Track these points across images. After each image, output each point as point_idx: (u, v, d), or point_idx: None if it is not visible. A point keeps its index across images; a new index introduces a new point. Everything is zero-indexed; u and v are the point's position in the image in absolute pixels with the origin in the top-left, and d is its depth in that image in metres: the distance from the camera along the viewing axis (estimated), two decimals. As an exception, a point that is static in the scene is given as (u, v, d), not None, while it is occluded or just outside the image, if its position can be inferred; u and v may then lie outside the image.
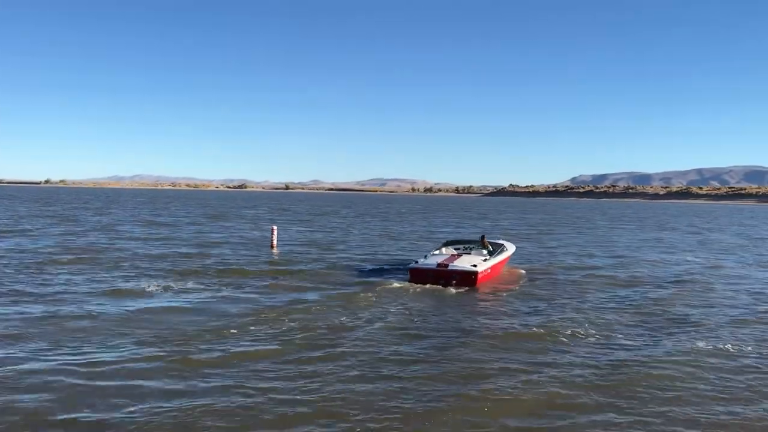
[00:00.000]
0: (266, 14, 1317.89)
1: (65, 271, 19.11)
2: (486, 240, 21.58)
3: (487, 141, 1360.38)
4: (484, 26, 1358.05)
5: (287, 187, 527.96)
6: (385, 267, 22.25)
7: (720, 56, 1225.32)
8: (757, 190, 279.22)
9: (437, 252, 21.23)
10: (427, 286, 17.90)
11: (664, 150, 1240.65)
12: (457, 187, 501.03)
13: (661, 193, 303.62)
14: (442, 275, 18.31)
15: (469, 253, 20.54)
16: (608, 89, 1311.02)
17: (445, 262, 18.90)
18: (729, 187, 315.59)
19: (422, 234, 39.63)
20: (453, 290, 17.46)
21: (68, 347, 10.68)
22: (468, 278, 18.21)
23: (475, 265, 18.59)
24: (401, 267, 21.37)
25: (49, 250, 24.23)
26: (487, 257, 19.88)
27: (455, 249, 21.63)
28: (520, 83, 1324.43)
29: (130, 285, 16.90)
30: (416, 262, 19.58)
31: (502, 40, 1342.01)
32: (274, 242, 27.56)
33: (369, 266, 22.28)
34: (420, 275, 18.55)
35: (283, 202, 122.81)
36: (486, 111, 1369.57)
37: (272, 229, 28.51)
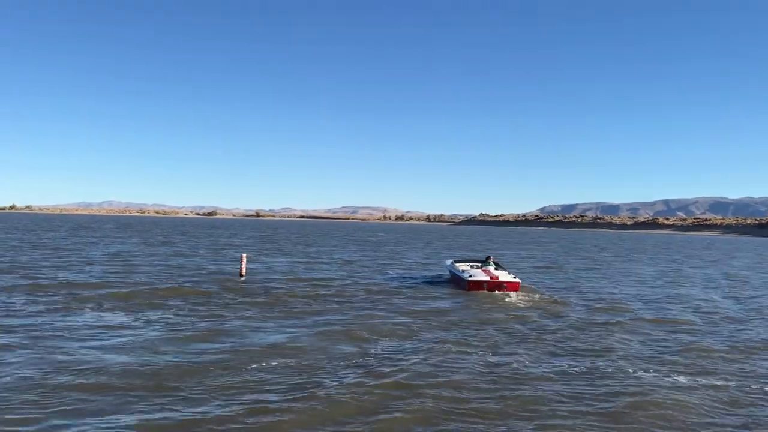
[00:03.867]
0: (231, 36, 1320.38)
1: (20, 300, 17.88)
2: (492, 258, 27.02)
3: (457, 170, 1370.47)
4: (457, 55, 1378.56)
5: (258, 215, 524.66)
6: (362, 294, 21.92)
7: (685, 91, 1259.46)
8: (722, 221, 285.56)
9: (467, 268, 25.94)
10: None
11: (632, 181, 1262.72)
12: (428, 216, 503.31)
13: (629, 223, 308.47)
14: (495, 285, 23.09)
15: (490, 268, 25.38)
16: (576, 121, 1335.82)
17: (494, 275, 23.72)
18: (694, 218, 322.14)
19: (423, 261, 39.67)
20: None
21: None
22: (514, 286, 23.09)
23: (514, 277, 24.00)
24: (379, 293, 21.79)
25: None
26: (512, 271, 25.31)
27: (469, 265, 26.67)
28: (490, 114, 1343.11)
29: (84, 318, 15.57)
30: (470, 276, 23.83)
31: (472, 72, 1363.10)
32: (243, 270, 26.79)
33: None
34: (477, 285, 23.26)
35: (262, 229, 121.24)
36: (456, 141, 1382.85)
37: (242, 257, 27.67)
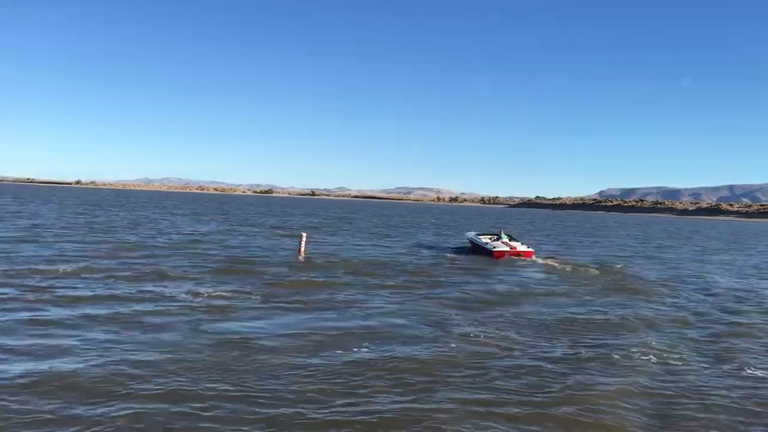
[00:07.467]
0: (291, 18, 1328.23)
1: (92, 274, 18.07)
2: (504, 231, 33.49)
3: (512, 152, 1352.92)
4: (514, 37, 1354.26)
5: (313, 193, 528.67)
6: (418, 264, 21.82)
7: (750, 76, 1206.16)
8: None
9: (489, 239, 32.00)
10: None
11: (695, 165, 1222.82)
12: (483, 198, 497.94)
13: (691, 208, 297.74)
14: (515, 254, 29.32)
15: (506, 239, 31.51)
16: (638, 102, 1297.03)
17: (513, 246, 30.04)
18: (760, 205, 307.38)
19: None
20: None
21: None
22: (528, 254, 29.62)
23: (529, 247, 30.66)
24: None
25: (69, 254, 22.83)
26: (523, 243, 31.96)
27: (489, 237, 32.54)
28: (547, 95, 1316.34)
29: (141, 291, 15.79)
30: (494, 247, 29.72)
31: (529, 52, 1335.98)
32: (302, 250, 26.50)
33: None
34: (500, 254, 29.02)
35: (322, 209, 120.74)
36: (511, 122, 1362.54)
37: (301, 237, 27.69)
